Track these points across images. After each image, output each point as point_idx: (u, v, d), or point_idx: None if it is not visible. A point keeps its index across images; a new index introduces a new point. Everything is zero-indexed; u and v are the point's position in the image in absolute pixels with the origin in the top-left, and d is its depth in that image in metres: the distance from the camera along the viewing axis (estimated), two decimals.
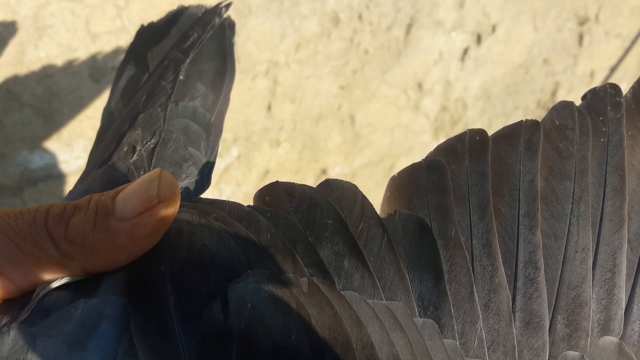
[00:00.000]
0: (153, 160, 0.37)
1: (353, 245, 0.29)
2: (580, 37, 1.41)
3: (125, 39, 0.91)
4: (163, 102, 0.40)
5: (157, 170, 0.26)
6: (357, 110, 1.21)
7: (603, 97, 0.36)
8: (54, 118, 0.91)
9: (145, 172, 0.36)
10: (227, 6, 0.44)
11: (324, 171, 1.24)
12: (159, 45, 0.48)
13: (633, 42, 1.49)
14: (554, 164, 0.34)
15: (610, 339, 0.32)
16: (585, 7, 1.38)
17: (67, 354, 0.23)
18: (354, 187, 0.32)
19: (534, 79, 1.41)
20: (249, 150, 1.14)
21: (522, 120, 0.35)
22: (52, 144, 0.93)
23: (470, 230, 0.32)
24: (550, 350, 0.31)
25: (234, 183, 1.15)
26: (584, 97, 0.37)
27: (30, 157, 0.92)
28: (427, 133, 1.33)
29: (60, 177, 0.96)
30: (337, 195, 0.31)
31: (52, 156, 0.94)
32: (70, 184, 0.98)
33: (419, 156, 1.44)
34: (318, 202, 0.31)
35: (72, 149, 0.95)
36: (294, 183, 0.31)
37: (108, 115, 0.48)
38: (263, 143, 1.14)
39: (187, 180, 0.38)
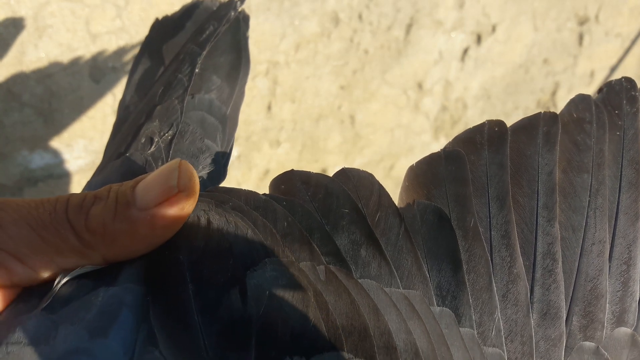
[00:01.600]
0: (170, 152, 0.37)
1: (370, 234, 0.29)
2: (580, 37, 1.41)
3: (125, 39, 0.90)
4: (180, 94, 0.40)
5: (176, 160, 0.26)
6: (357, 110, 1.21)
7: (619, 90, 0.37)
8: (54, 118, 0.91)
9: (163, 163, 0.36)
10: (242, 0, 0.44)
11: (324, 171, 1.24)
12: (174, 38, 0.48)
13: (633, 42, 1.49)
14: (572, 157, 0.34)
15: (625, 330, 0.32)
16: (585, 7, 1.38)
17: (88, 340, 0.23)
18: (371, 176, 0.32)
19: (534, 79, 1.41)
20: (249, 150, 1.13)
21: (540, 112, 0.36)
22: (52, 144, 0.93)
23: (489, 221, 0.32)
24: (566, 341, 0.31)
25: (234, 183, 1.15)
26: (599, 91, 0.37)
27: (31, 157, 0.92)
28: (427, 133, 1.32)
29: (60, 177, 0.96)
30: (354, 184, 0.31)
31: (52, 156, 0.93)
32: (70, 184, 0.97)
33: (419, 156, 1.43)
34: (334, 191, 0.31)
35: (72, 149, 0.95)
36: (309, 172, 0.31)
37: (124, 108, 0.48)
38: (263, 143, 1.14)
39: (204, 172, 0.38)
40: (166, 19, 0.51)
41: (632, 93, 0.36)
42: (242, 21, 0.45)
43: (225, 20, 0.43)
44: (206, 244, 0.26)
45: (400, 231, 0.30)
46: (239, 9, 0.45)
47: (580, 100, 0.36)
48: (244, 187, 1.12)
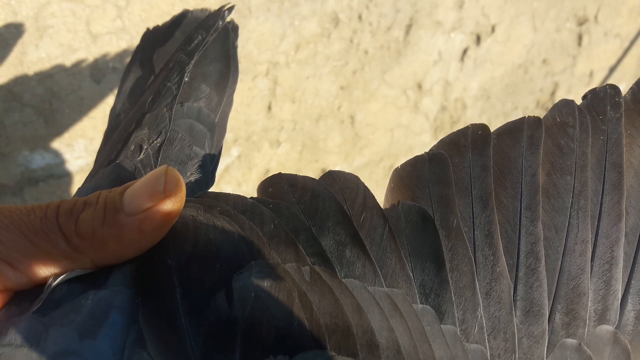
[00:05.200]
0: (159, 159, 0.38)
1: (355, 235, 0.30)
2: (580, 38, 1.42)
3: (125, 39, 0.91)
4: (169, 102, 0.41)
5: (163, 166, 0.27)
6: (357, 110, 1.21)
7: (603, 97, 0.37)
8: (55, 118, 0.91)
9: (151, 170, 0.37)
10: (230, 9, 0.45)
11: (323, 171, 1.24)
12: (164, 47, 0.49)
13: (632, 43, 1.49)
14: (555, 159, 0.35)
15: (607, 328, 0.33)
16: (585, 8, 1.38)
17: (78, 342, 0.24)
18: (356, 178, 0.33)
19: (533, 79, 1.41)
20: (249, 150, 1.14)
21: (524, 117, 0.36)
22: (53, 144, 0.93)
23: (473, 221, 0.33)
24: (549, 338, 0.32)
25: (234, 183, 1.15)
26: (584, 97, 0.38)
27: (31, 157, 0.92)
28: (426, 133, 1.33)
29: (61, 177, 0.96)
30: (340, 187, 0.32)
31: (52, 156, 0.94)
32: (71, 184, 0.98)
33: None
34: (320, 193, 0.31)
35: (72, 149, 0.95)
36: (296, 175, 0.32)
37: (115, 116, 0.49)
38: (263, 143, 1.15)
39: (192, 178, 0.39)
40: (157, 28, 0.52)
41: (616, 99, 0.37)
42: (232, 31, 0.46)
43: (214, 30, 0.43)
44: (194, 247, 0.27)
45: (385, 231, 0.31)
46: (227, 19, 0.45)
47: (563, 105, 0.37)
48: (244, 187, 1.12)
